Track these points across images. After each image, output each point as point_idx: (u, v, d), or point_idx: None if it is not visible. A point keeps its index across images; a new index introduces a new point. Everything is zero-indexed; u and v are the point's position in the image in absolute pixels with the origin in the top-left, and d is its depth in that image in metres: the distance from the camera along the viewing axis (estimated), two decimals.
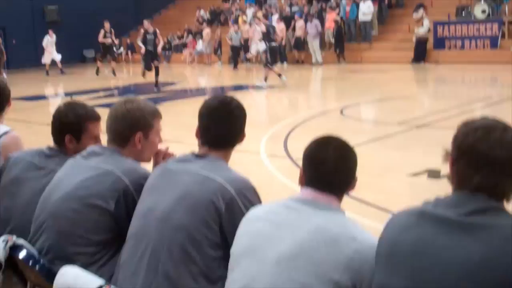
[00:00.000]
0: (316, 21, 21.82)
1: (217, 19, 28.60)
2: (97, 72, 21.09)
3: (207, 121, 2.39)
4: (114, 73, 20.65)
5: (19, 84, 16.78)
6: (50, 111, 2.95)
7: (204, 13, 29.60)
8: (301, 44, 22.55)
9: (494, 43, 19.26)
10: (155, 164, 2.69)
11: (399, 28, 22.12)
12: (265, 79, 15.37)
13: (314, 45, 21.68)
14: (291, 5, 25.37)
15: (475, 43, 19.67)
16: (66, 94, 15.78)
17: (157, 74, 16.23)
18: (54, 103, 14.08)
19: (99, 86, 17.15)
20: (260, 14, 23.73)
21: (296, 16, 22.95)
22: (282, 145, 8.02)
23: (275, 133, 9.04)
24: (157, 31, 16.86)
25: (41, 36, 24.07)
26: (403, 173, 6.28)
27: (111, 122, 2.57)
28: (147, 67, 16.68)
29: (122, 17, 30.68)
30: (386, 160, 7.04)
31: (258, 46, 21.22)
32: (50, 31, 23.38)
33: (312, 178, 2.04)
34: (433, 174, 6.09)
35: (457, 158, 1.73)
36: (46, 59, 23.10)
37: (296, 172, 2.14)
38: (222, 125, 2.38)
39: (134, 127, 2.56)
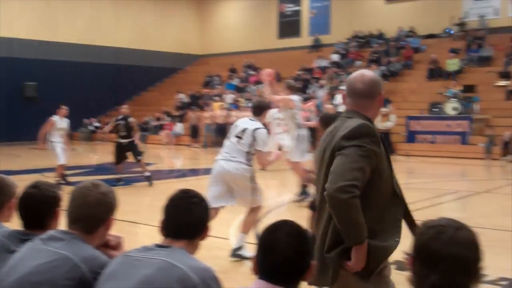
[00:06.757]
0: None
1: (196, 103, 29.13)
2: None
3: (168, 213, 2.41)
4: None
5: None
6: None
7: (183, 97, 30.16)
8: None
9: (464, 139, 19.83)
10: (107, 251, 2.59)
11: None
12: None
13: None
14: None
15: (446, 138, 20.23)
16: (36, 171, 15.49)
17: None
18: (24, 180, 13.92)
19: (72, 163, 17.09)
20: (242, 100, 24.40)
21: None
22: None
23: None
24: None
25: (17, 111, 24.20)
26: None
27: (80, 206, 2.49)
28: None
29: (101, 96, 31.12)
30: None
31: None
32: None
33: (264, 268, 2.03)
34: (401, 266, 6.11)
35: (414, 258, 1.74)
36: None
37: None
38: (181, 215, 2.38)
39: (110, 212, 2.54)
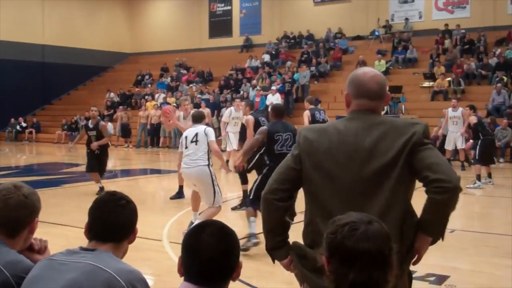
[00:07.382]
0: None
1: (126, 102, 28.67)
2: None
3: (94, 216, 2.35)
4: None
5: None
6: None
7: (114, 96, 29.63)
8: None
9: None
10: (31, 256, 2.51)
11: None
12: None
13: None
14: (201, 93, 25.97)
15: None
16: None
17: None
18: None
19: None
20: (172, 100, 24.12)
21: (202, 104, 23.35)
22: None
23: (180, 220, 8.95)
24: None
25: None
26: None
27: (1, 209, 2.38)
28: None
29: (28, 95, 30.15)
30: None
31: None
32: None
33: (189, 270, 2.01)
34: None
35: (330, 257, 1.73)
36: None
37: None
38: (107, 217, 2.32)
39: (34, 214, 2.45)
